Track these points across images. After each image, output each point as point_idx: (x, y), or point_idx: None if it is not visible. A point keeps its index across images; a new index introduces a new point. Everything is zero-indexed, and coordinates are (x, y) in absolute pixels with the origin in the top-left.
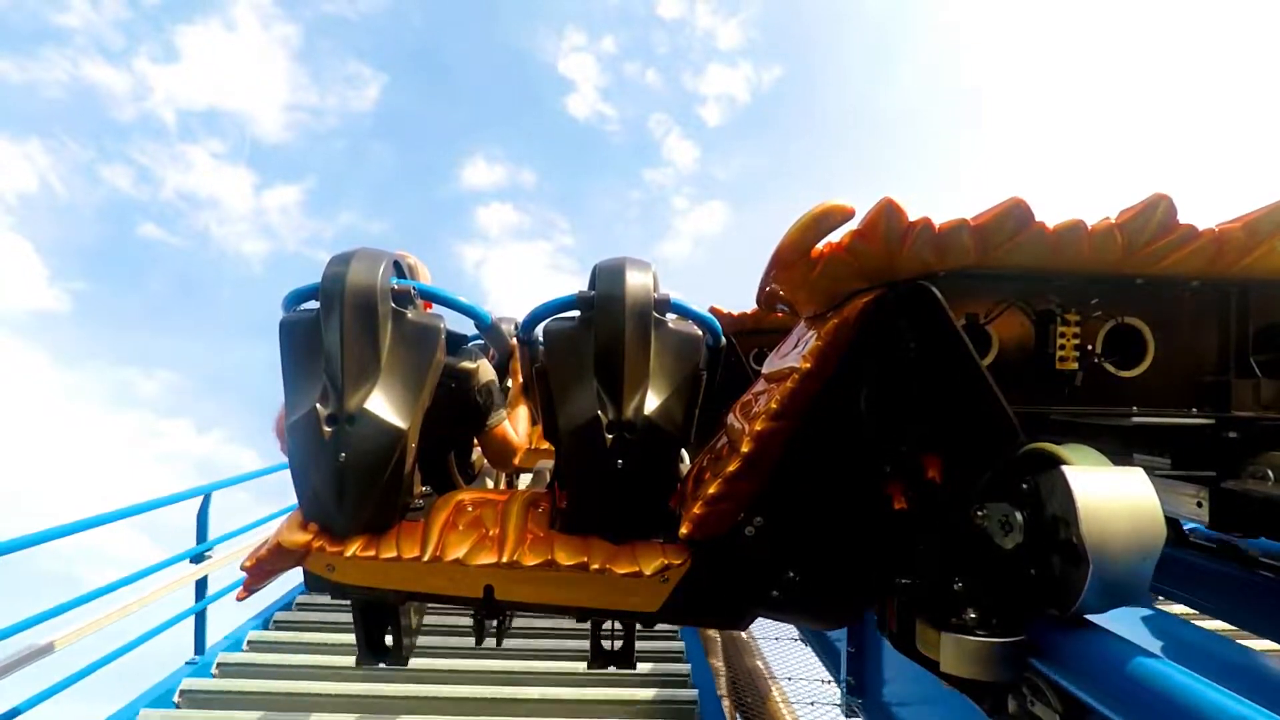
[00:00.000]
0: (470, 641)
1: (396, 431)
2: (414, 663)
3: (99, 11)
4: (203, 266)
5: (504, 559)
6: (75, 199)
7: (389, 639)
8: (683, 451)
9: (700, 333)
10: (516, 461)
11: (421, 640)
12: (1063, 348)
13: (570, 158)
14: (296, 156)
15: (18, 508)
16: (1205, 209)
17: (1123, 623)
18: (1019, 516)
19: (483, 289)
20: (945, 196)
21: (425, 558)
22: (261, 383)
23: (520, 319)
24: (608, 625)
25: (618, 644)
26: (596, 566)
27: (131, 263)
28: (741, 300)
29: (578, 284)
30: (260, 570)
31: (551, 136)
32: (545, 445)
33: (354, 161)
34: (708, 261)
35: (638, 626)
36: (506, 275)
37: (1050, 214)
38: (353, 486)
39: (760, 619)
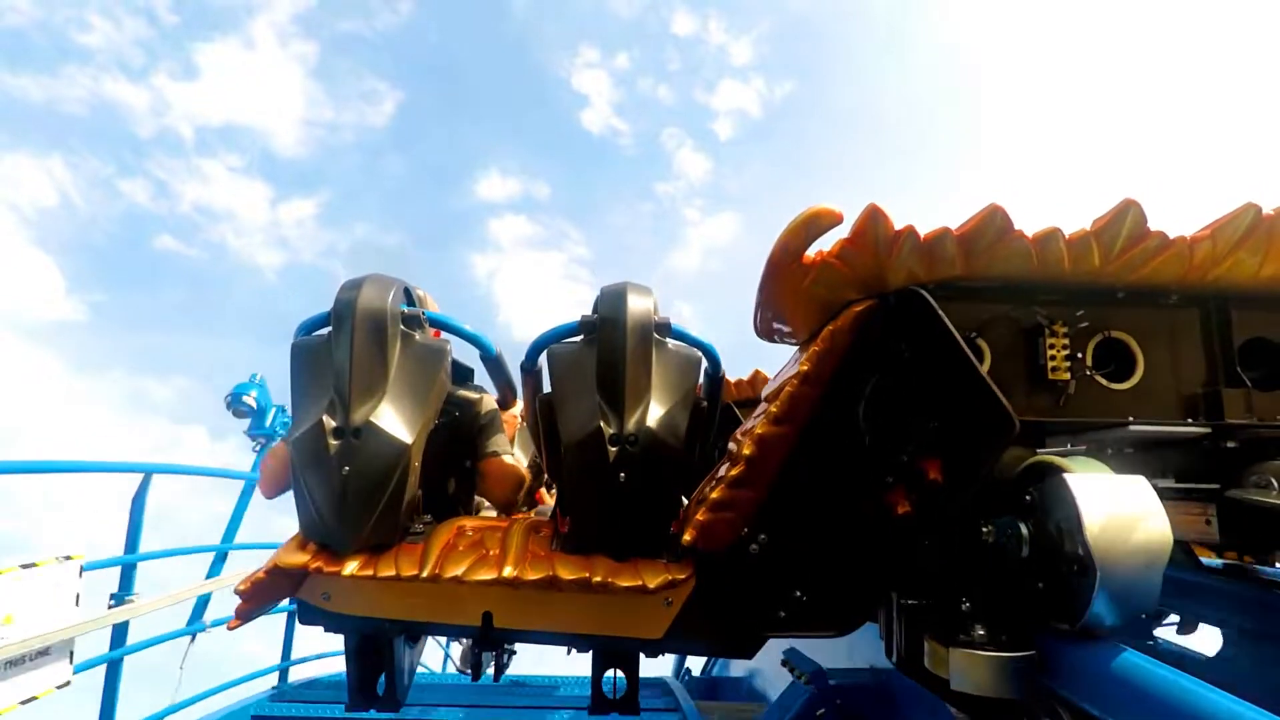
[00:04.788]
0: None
1: (401, 446)
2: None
3: (120, 30)
4: (218, 277)
5: (504, 574)
6: (94, 212)
7: (382, 683)
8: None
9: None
10: (519, 495)
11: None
12: (1053, 358)
13: (583, 170)
14: (312, 170)
15: (36, 511)
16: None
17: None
18: (1024, 529)
19: (495, 299)
20: (951, 207)
21: (424, 574)
22: (275, 389)
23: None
24: (609, 673)
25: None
26: (599, 579)
27: (148, 274)
28: (750, 306)
29: (591, 292)
30: (256, 593)
31: (565, 150)
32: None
33: (369, 175)
34: (719, 272)
35: (641, 665)
36: (519, 285)
37: (1037, 221)
38: (354, 500)
39: None
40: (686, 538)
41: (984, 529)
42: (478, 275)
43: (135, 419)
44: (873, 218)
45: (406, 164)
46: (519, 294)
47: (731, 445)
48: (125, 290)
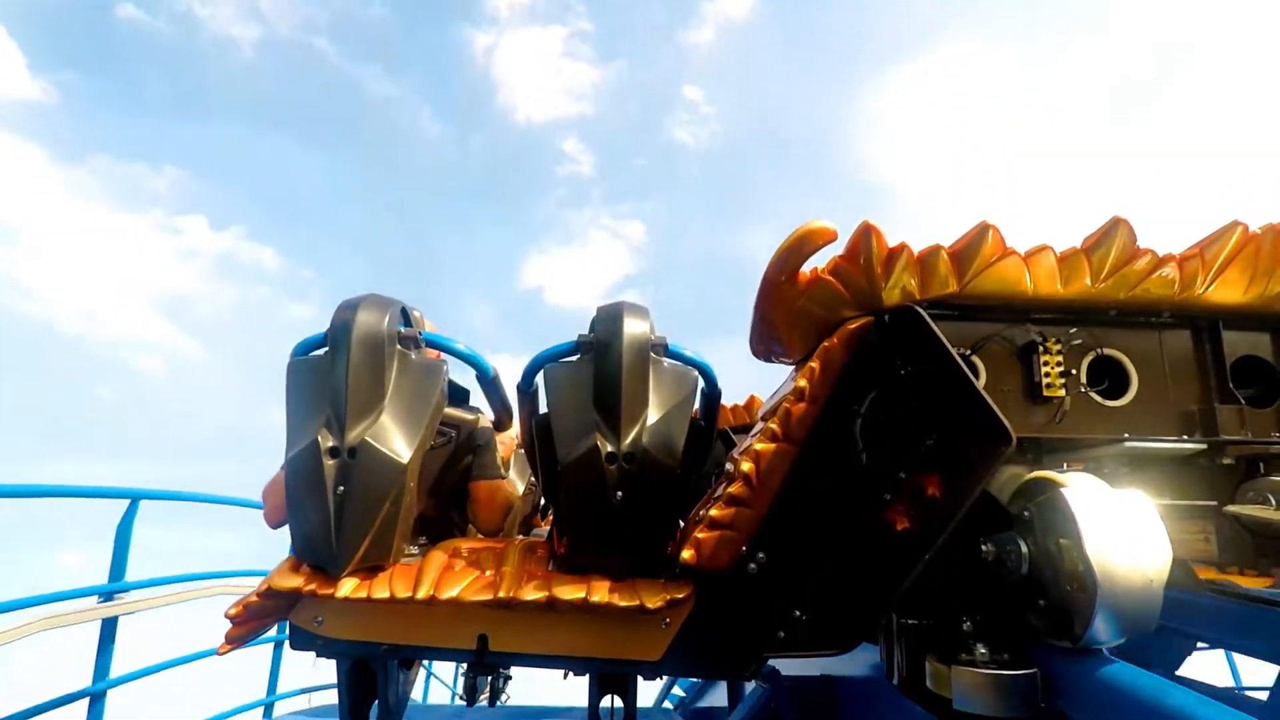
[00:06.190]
0: None
1: (398, 465)
2: None
3: None
4: (193, 54)
5: (501, 594)
6: None
7: (375, 711)
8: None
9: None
10: (504, 520)
11: None
12: (1048, 374)
13: None
14: None
15: (43, 310)
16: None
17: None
18: (1023, 546)
19: (493, 79)
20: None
21: (420, 596)
22: (272, 178)
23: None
24: (606, 703)
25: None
26: (597, 599)
27: (117, 50)
28: (765, 93)
29: (594, 72)
30: (248, 616)
31: None
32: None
33: None
34: (735, 56)
35: (638, 689)
36: (519, 64)
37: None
38: (349, 521)
39: None
40: (685, 556)
41: (983, 547)
42: (475, 53)
43: (132, 210)
44: (866, 235)
45: None
46: (519, 74)
47: (729, 464)
48: (95, 69)
